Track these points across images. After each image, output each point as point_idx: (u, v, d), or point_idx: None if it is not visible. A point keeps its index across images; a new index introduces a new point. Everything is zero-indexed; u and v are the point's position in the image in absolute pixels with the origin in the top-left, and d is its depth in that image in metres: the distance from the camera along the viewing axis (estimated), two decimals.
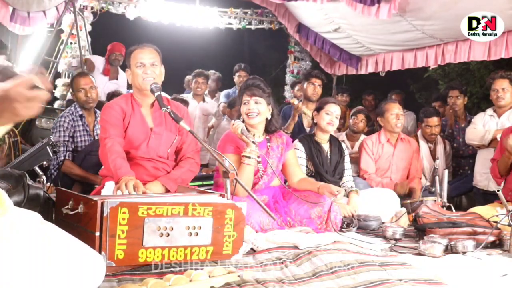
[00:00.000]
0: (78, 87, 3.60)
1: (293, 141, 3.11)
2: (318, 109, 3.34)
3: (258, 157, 2.69)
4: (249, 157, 2.60)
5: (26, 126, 5.16)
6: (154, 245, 1.78)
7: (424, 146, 4.14)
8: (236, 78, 5.68)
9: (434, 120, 4.05)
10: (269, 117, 2.79)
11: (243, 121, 2.74)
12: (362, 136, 4.29)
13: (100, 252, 1.67)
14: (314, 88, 4.16)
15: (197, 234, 1.86)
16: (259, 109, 2.71)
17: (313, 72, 4.30)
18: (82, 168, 3.39)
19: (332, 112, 3.26)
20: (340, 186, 3.24)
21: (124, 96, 2.65)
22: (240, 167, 2.60)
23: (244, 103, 2.75)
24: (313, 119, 3.41)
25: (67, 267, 1.29)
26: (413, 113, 5.32)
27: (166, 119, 2.57)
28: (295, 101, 3.98)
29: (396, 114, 3.70)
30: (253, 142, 2.62)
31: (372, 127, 5.00)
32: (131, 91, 2.71)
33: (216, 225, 1.90)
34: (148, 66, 2.48)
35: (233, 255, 1.95)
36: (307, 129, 4.08)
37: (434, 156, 4.10)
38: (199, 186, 2.96)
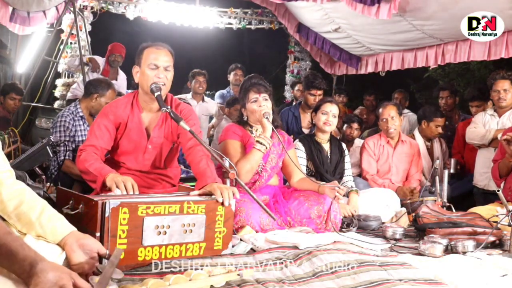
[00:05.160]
0: (111, 98, 3.55)
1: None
2: (316, 110, 3.33)
3: (266, 148, 2.68)
4: (261, 143, 2.62)
5: (26, 126, 5.17)
6: (152, 244, 1.83)
7: (421, 145, 4.14)
8: (231, 77, 5.66)
9: (443, 120, 4.07)
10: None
11: (247, 119, 2.82)
12: (357, 140, 4.28)
13: None
14: (315, 99, 4.07)
15: (191, 231, 1.93)
16: (268, 106, 2.74)
17: (315, 83, 4.06)
18: None
19: (328, 112, 3.24)
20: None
21: (126, 97, 2.50)
22: (250, 151, 2.64)
23: (254, 101, 2.75)
24: (312, 119, 3.41)
25: None
26: (414, 113, 5.32)
27: (166, 126, 2.44)
28: None
29: (386, 119, 3.69)
30: (262, 138, 2.64)
31: (376, 127, 5.00)
32: (129, 91, 2.62)
33: (208, 222, 1.97)
34: (162, 70, 2.31)
35: (223, 250, 2.04)
36: (305, 130, 4.07)
37: (431, 154, 4.13)
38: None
